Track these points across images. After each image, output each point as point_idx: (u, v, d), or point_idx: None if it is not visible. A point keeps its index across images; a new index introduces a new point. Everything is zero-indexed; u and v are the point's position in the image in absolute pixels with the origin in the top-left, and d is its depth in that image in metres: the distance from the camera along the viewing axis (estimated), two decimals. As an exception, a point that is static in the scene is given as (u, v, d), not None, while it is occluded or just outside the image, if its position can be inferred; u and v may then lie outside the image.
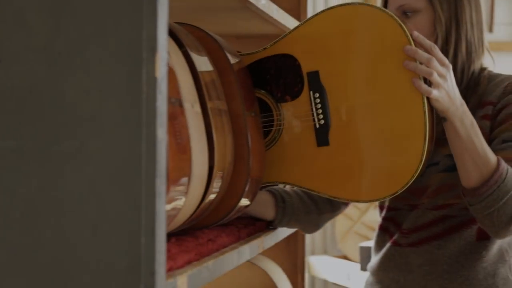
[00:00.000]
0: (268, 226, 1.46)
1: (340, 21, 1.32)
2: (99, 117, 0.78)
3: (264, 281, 1.74)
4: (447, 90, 1.26)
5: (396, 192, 1.29)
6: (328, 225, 1.56)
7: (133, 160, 0.77)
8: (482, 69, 1.45)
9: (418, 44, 1.27)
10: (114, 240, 0.77)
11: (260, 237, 1.35)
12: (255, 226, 1.40)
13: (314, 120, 1.32)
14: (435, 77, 1.24)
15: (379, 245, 1.51)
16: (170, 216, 0.93)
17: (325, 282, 3.35)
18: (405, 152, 1.28)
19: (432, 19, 1.40)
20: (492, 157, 1.31)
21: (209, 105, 1.08)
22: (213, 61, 1.19)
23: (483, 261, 1.42)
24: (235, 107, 1.22)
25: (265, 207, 1.43)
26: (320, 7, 3.33)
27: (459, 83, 1.39)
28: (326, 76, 1.32)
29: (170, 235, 1.07)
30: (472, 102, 1.40)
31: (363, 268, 2.76)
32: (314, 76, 1.32)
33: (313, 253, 3.32)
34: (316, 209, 1.48)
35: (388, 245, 1.48)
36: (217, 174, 1.09)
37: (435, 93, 1.24)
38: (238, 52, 1.36)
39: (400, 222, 1.46)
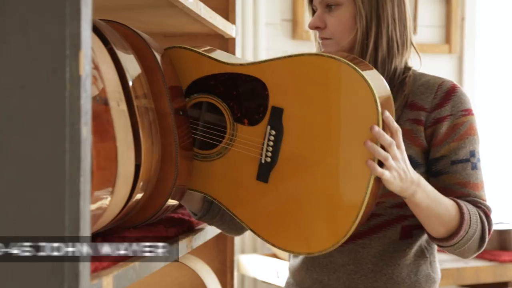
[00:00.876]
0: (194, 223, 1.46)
1: (322, 72, 1.29)
2: (21, 115, 0.76)
3: (193, 281, 1.73)
4: (398, 171, 1.27)
5: (311, 254, 1.31)
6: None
7: (57, 159, 0.76)
8: (407, 68, 1.48)
9: (386, 125, 1.27)
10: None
11: (189, 236, 1.34)
12: (183, 225, 1.40)
13: (261, 155, 1.31)
14: (390, 161, 1.26)
15: None
16: (95, 216, 0.92)
17: (255, 280, 3.37)
18: (333, 222, 1.28)
19: (353, 13, 1.42)
20: (454, 211, 1.35)
21: (135, 103, 1.07)
22: (140, 59, 1.18)
23: (406, 258, 1.45)
24: (163, 105, 1.21)
25: (192, 198, 1.43)
26: (249, 7, 3.34)
27: None
28: (289, 117, 1.30)
29: (96, 235, 1.05)
30: (399, 102, 1.43)
31: (292, 266, 2.79)
32: (278, 113, 1.30)
33: (242, 251, 3.33)
34: None
35: None
36: (144, 173, 1.09)
37: (387, 174, 1.26)
38: (211, 57, 1.34)
39: None
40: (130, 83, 1.07)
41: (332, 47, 1.45)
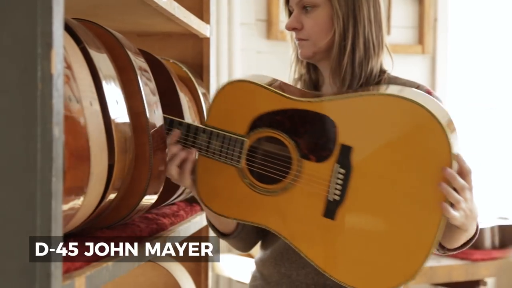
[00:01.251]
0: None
1: (394, 112, 1.29)
2: (-9, 115, 0.75)
3: (167, 281, 1.72)
4: (465, 211, 1.29)
5: None
6: (231, 223, 1.58)
7: (28, 159, 0.75)
8: (382, 71, 1.50)
9: (458, 166, 1.28)
10: (7, 241, 0.74)
11: (163, 236, 1.34)
12: (157, 225, 1.39)
13: (328, 192, 1.32)
14: (462, 205, 1.27)
15: (269, 239, 1.53)
16: (68, 216, 0.91)
17: (230, 280, 3.37)
18: (402, 261, 1.30)
19: (330, 14, 1.44)
20: (475, 227, 1.40)
21: (108, 102, 1.06)
22: (113, 58, 1.17)
23: None
24: (137, 104, 1.20)
25: (228, 221, 1.47)
26: (224, 6, 3.34)
27: (358, 78, 1.44)
28: (358, 156, 1.30)
29: (68, 235, 1.04)
30: None
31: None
32: (346, 151, 1.30)
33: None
34: (257, 232, 1.54)
35: (280, 240, 1.50)
36: (117, 172, 1.08)
37: (456, 215, 1.28)
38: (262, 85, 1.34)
39: None
40: (103, 83, 1.07)
41: (309, 48, 1.46)
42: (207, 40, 1.83)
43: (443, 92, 3.67)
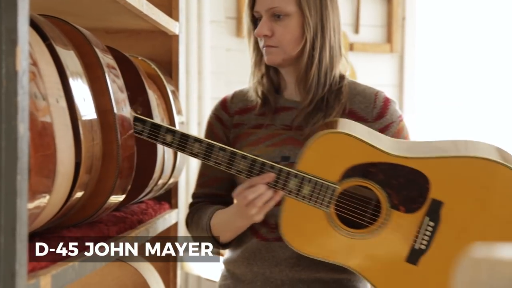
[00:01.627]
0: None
1: (486, 174, 1.37)
2: (-46, 112, 0.74)
3: (136, 280, 1.71)
4: None
5: None
6: (201, 221, 1.58)
7: (-8, 157, 0.74)
8: (342, 77, 1.54)
9: None
10: (-29, 241, 0.73)
11: (131, 235, 1.33)
12: (125, 223, 1.38)
13: (415, 241, 1.40)
14: None
15: (239, 239, 1.53)
16: (33, 215, 0.90)
17: (199, 278, 3.36)
18: None
19: (301, 23, 1.46)
20: None
21: (76, 100, 1.05)
22: (80, 55, 1.16)
23: None
24: (104, 102, 1.19)
25: (230, 235, 1.51)
26: (193, 4, 3.32)
27: (322, 86, 1.48)
28: (448, 211, 1.39)
29: (34, 235, 1.03)
30: (337, 110, 1.50)
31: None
32: (437, 206, 1.39)
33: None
34: None
35: (253, 240, 1.50)
36: (84, 171, 1.07)
37: None
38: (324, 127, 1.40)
39: (266, 217, 1.49)
40: (70, 80, 1.05)
41: (278, 55, 1.48)
42: (176, 37, 1.82)
43: (411, 90, 3.70)
